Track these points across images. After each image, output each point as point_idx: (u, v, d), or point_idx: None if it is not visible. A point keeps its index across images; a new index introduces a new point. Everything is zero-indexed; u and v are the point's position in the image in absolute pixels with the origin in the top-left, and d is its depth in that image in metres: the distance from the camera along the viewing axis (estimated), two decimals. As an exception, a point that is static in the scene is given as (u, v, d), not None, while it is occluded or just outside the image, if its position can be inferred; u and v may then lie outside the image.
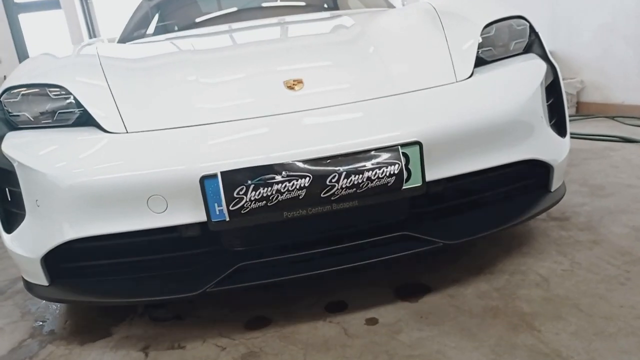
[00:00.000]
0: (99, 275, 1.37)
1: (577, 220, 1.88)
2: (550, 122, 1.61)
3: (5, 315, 1.76)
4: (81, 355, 1.42)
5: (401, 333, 1.29)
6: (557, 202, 1.63)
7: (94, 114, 1.38)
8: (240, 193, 1.13)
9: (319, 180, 1.15)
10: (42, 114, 1.50)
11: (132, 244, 1.30)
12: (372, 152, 1.17)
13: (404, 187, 1.21)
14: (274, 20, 2.23)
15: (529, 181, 1.55)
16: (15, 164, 1.37)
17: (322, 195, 1.16)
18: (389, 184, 1.19)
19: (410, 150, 1.20)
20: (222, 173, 1.12)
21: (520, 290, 1.41)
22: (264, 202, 1.15)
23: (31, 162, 1.31)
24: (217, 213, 1.15)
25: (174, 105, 1.37)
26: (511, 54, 1.67)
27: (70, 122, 1.44)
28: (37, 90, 1.52)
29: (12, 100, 1.54)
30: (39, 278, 1.40)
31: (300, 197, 1.16)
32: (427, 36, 1.62)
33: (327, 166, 1.15)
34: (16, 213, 1.42)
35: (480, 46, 1.60)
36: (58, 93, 1.48)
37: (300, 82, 1.39)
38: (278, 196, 1.15)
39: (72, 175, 1.24)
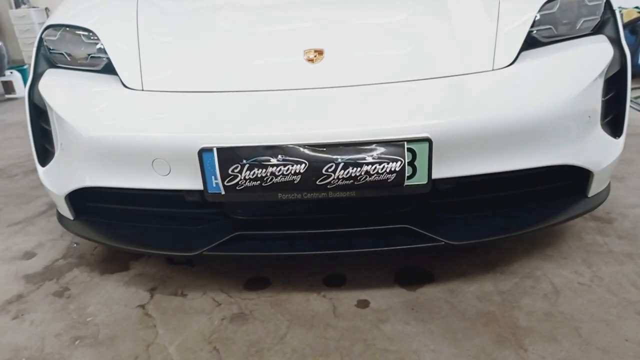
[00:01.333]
0: (115, 219, 1.46)
1: (620, 225, 1.71)
2: (604, 120, 1.42)
3: (49, 232, 1.95)
4: (99, 284, 1.56)
5: (386, 323, 1.29)
6: (593, 209, 1.48)
7: (116, 65, 1.39)
8: (235, 171, 1.13)
9: (314, 168, 1.12)
10: (77, 55, 1.54)
11: (143, 195, 1.35)
12: (374, 145, 1.11)
13: (406, 184, 1.15)
14: None
15: (562, 184, 1.41)
16: (47, 105, 1.44)
17: (317, 182, 1.13)
18: (389, 180, 1.13)
19: (417, 147, 1.12)
20: (218, 149, 1.12)
21: (524, 299, 1.34)
22: (259, 182, 1.14)
23: (58, 108, 1.37)
24: (214, 185, 1.16)
25: (193, 65, 1.35)
26: (576, 35, 1.46)
27: (99, 68, 1.48)
28: (73, 31, 1.55)
29: (51, 38, 1.59)
30: (66, 211, 1.51)
31: (295, 182, 1.13)
32: (477, 9, 1.44)
33: (325, 154, 1.11)
34: (48, 150, 1.52)
35: (536, 24, 1.41)
36: (89, 37, 1.51)
37: (321, 53, 1.31)
38: (272, 178, 1.13)
39: (88, 129, 1.28)
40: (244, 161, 1.12)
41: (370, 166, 1.11)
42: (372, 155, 1.11)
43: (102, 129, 1.27)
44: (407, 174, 1.14)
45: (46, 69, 1.58)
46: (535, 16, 1.41)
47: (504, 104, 1.20)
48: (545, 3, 1.43)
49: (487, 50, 1.31)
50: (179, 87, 1.29)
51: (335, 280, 1.48)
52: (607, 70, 1.39)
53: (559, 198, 1.42)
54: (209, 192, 1.17)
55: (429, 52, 1.31)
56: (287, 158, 1.11)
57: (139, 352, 1.24)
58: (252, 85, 1.25)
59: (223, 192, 1.16)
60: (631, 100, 3.38)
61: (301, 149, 1.11)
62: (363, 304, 1.37)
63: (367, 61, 1.30)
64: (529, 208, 1.40)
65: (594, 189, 1.44)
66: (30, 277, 1.63)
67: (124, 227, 1.43)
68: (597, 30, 1.49)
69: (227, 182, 1.14)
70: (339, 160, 1.11)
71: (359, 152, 1.11)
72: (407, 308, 1.34)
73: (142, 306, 1.43)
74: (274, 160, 1.11)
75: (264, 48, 1.37)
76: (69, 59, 1.56)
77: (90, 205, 1.49)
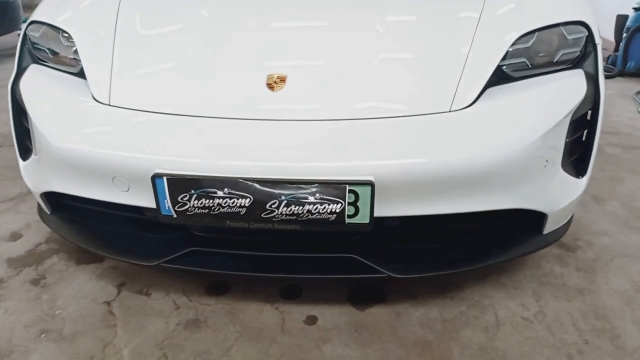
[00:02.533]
0: (87, 219, 1.54)
1: (583, 254, 1.73)
2: (567, 160, 1.42)
3: (36, 213, 2.06)
4: (73, 275, 1.66)
5: (328, 343, 1.36)
6: (548, 245, 1.51)
7: (88, 75, 1.43)
8: (184, 199, 1.18)
9: (258, 202, 1.16)
10: (57, 54, 1.58)
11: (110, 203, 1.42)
12: (317, 185, 1.14)
13: (348, 222, 1.18)
14: None
15: (515, 221, 1.42)
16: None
17: (262, 215, 1.18)
18: (330, 219, 1.17)
19: (360, 189, 1.15)
20: (168, 178, 1.16)
21: (464, 330, 1.40)
22: (207, 210, 1.19)
23: (33, 115, 1.43)
24: (166, 208, 1.22)
25: (158, 84, 1.38)
26: (552, 69, 1.43)
27: (77, 71, 1.52)
28: (53, 31, 1.58)
29: (34, 34, 1.63)
30: (44, 205, 1.60)
31: (241, 213, 1.18)
32: (449, 42, 1.42)
33: (269, 190, 1.15)
34: (28, 146, 1.59)
35: (509, 57, 1.39)
36: (68, 39, 1.54)
37: (283, 80, 1.32)
38: (219, 208, 1.18)
39: (57, 138, 1.34)
40: (192, 191, 1.17)
41: (311, 205, 1.15)
42: (314, 195, 1.15)
43: (69, 141, 1.32)
44: (349, 214, 1.17)
45: (30, 64, 1.63)
46: (508, 50, 1.38)
47: (453, 148, 1.21)
48: (521, 36, 1.40)
49: (448, 89, 1.30)
50: (142, 106, 1.33)
51: (291, 292, 1.55)
52: (577, 109, 1.38)
53: (512, 234, 1.44)
54: (162, 214, 1.23)
55: (388, 89, 1.31)
56: (233, 192, 1.16)
57: (95, 352, 1.34)
58: (210, 111, 1.28)
59: (175, 216, 1.22)
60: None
61: (246, 183, 1.15)
62: (311, 320, 1.44)
63: (323, 95, 1.30)
64: (480, 243, 1.43)
65: (550, 227, 1.46)
66: (13, 262, 1.74)
67: (93, 228, 1.51)
68: (576, 63, 1.46)
69: (177, 208, 1.20)
70: (282, 197, 1.15)
71: (302, 190, 1.15)
72: (352, 329, 1.41)
73: (108, 303, 1.53)
74: (220, 193, 1.16)
75: (230, 71, 1.38)
76: (51, 56, 1.60)
77: (66, 203, 1.57)
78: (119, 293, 1.57)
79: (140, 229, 1.46)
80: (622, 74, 4.09)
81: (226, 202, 1.17)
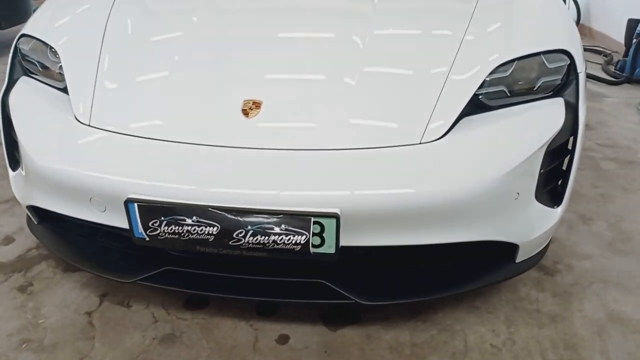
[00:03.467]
0: (72, 231, 1.58)
1: (562, 279, 1.73)
2: (542, 190, 1.42)
3: (30, 216, 2.11)
4: (59, 283, 1.71)
5: (296, 365, 1.39)
6: (521, 273, 1.51)
7: (71, 93, 1.46)
8: (155, 225, 1.21)
9: (225, 231, 1.19)
10: (46, 68, 1.61)
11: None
12: (282, 216, 1.16)
13: (314, 252, 1.21)
14: None
15: (486, 250, 1.43)
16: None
17: (230, 243, 1.21)
18: (295, 250, 1.19)
19: (325, 221, 1.16)
20: (139, 205, 1.19)
21: (432, 355, 1.42)
22: (177, 235, 1.22)
23: (18, 131, 1.46)
24: (139, 232, 1.25)
25: (137, 107, 1.40)
26: (532, 98, 1.43)
27: (62, 87, 1.55)
28: (42, 45, 1.61)
29: (24, 47, 1.66)
30: (31, 215, 1.64)
31: (209, 240, 1.21)
32: (426, 74, 1.42)
33: (235, 219, 1.17)
34: (17, 158, 1.63)
35: (486, 85, 1.39)
36: (55, 55, 1.57)
37: (258, 105, 1.33)
38: (189, 235, 1.21)
39: (39, 156, 1.37)
40: (162, 217, 1.20)
41: (277, 236, 1.17)
42: (279, 226, 1.17)
43: (48, 159, 1.36)
44: (314, 244, 1.19)
45: (21, 76, 1.67)
46: (485, 79, 1.38)
47: (420, 182, 1.22)
48: (500, 65, 1.40)
49: (421, 120, 1.31)
50: (121, 129, 1.35)
51: (267, 309, 1.58)
52: (554, 140, 1.38)
53: (483, 261, 1.45)
54: (135, 236, 1.26)
55: (361, 120, 1.32)
56: (200, 220, 1.18)
57: (72, 365, 1.39)
58: (184, 136, 1.30)
59: (147, 239, 1.25)
60: (642, 117, 3.24)
61: (214, 212, 1.18)
62: (283, 339, 1.47)
63: (295, 123, 1.32)
64: (450, 270, 1.44)
65: (524, 256, 1.46)
66: (3, 267, 1.80)
67: (75, 241, 1.55)
68: (557, 92, 1.45)
69: (149, 232, 1.23)
70: (249, 227, 1.18)
71: (268, 221, 1.17)
72: (321, 350, 1.44)
73: (89, 313, 1.58)
74: (189, 220, 1.19)
75: (208, 96, 1.40)
76: (40, 69, 1.63)
77: (52, 214, 1.61)
78: (100, 303, 1.62)
79: (119, 245, 1.50)
80: (630, 80, 4.02)
81: (195, 229, 1.19)
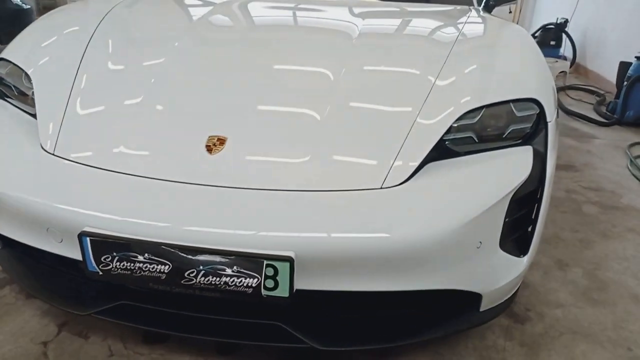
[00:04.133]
0: (34, 258, 1.56)
1: (532, 328, 1.70)
2: (507, 238, 1.40)
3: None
4: (20, 309, 1.68)
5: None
6: (486, 322, 1.48)
7: (38, 120, 1.46)
8: (107, 260, 1.19)
9: (177, 270, 1.17)
10: (21, 93, 1.62)
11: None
12: (234, 257, 1.14)
13: (268, 295, 1.18)
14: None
15: (449, 298, 1.40)
16: None
17: (182, 282, 1.18)
18: (247, 292, 1.17)
19: (278, 264, 1.14)
20: (91, 240, 1.18)
21: (389, 405, 1.38)
22: (129, 272, 1.20)
23: None
24: (92, 266, 1.23)
25: (102, 138, 1.39)
26: (500, 145, 1.42)
27: (34, 113, 1.55)
28: (18, 70, 1.62)
29: (2, 70, 1.67)
30: (-3, 239, 1.62)
31: (162, 278, 1.19)
32: (396, 109, 1.42)
33: (187, 258, 1.15)
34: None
35: (453, 132, 1.38)
36: (29, 81, 1.58)
37: (223, 142, 1.33)
38: (141, 272, 1.19)
39: (2, 183, 1.36)
40: (114, 253, 1.18)
41: (228, 278, 1.15)
42: (231, 267, 1.15)
43: (8, 186, 1.34)
44: (268, 287, 1.17)
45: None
46: (452, 125, 1.38)
47: (376, 227, 1.19)
48: (468, 112, 1.40)
49: (383, 165, 1.30)
50: (83, 159, 1.34)
51: (227, 347, 1.55)
52: (520, 188, 1.36)
53: (446, 309, 1.42)
54: (89, 270, 1.24)
55: (322, 162, 1.30)
56: (152, 257, 1.16)
57: (18, 399, 1.35)
58: (145, 170, 1.29)
59: (100, 273, 1.23)
60: (630, 161, 3.23)
61: (165, 249, 1.16)
62: (237, 381, 1.44)
63: (257, 162, 1.30)
64: (413, 317, 1.41)
65: (488, 305, 1.43)
66: (-33, 291, 1.77)
67: (34, 269, 1.52)
68: (526, 140, 1.45)
69: (101, 267, 1.21)
70: (200, 267, 1.15)
71: (220, 262, 1.15)
72: (276, 394, 1.40)
73: (45, 344, 1.54)
74: (140, 257, 1.17)
75: (173, 131, 1.39)
76: (16, 94, 1.64)
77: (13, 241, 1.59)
78: (58, 333, 1.59)
79: (76, 276, 1.47)
80: (620, 122, 4.04)
81: (146, 266, 1.17)
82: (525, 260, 1.44)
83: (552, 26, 6.00)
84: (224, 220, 1.18)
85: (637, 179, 2.99)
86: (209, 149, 1.32)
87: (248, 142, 1.34)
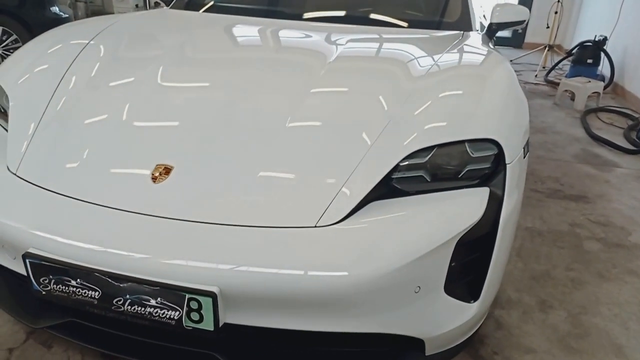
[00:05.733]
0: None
1: (494, 373, 1.63)
2: (455, 283, 1.35)
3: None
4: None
5: None
6: (432, 368, 1.43)
7: (8, 140, 1.54)
8: (45, 282, 1.24)
9: (106, 297, 1.20)
10: (3, 112, 1.71)
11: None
12: (159, 288, 1.16)
13: (193, 328, 1.19)
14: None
15: (391, 340, 1.37)
16: None
17: (112, 308, 1.21)
18: (170, 324, 1.18)
19: (202, 298, 1.16)
20: (30, 262, 1.23)
21: None
22: (66, 294, 1.24)
23: None
24: (35, 285, 1.28)
25: (60, 160, 1.45)
26: (454, 185, 1.38)
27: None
28: (2, 89, 1.72)
29: None
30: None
31: (94, 303, 1.23)
32: (345, 146, 1.40)
33: (115, 286, 1.18)
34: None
35: (401, 170, 1.35)
36: (8, 101, 1.67)
37: (168, 172, 1.35)
38: (75, 295, 1.23)
39: None
40: (51, 276, 1.23)
41: (152, 309, 1.17)
42: (155, 299, 1.17)
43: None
44: (194, 319, 1.18)
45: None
46: (399, 164, 1.35)
47: (306, 266, 1.18)
48: (417, 151, 1.36)
49: (321, 202, 1.28)
50: (39, 181, 1.40)
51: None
52: (471, 231, 1.31)
53: (391, 350, 1.39)
54: (34, 289, 1.29)
55: (261, 197, 1.30)
56: (83, 283, 1.20)
57: (-29, 404, 1.43)
58: (92, 195, 1.33)
59: (43, 293, 1.28)
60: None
61: (95, 276, 1.19)
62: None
63: (195, 195, 1.31)
64: (356, 355, 1.38)
65: (434, 349, 1.39)
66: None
67: (2, 281, 1.60)
68: (485, 181, 1.40)
69: (42, 288, 1.26)
70: (127, 296, 1.18)
71: (144, 292, 1.17)
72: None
73: (10, 350, 1.62)
74: (73, 282, 1.21)
75: (126, 156, 1.43)
76: (2, 111, 1.73)
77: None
78: (25, 341, 1.66)
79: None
80: (650, 150, 3.81)
81: (79, 291, 1.21)
82: (475, 306, 1.39)
83: (589, 44, 5.74)
84: (153, 251, 1.20)
85: (653, 214, 2.81)
86: (154, 178, 1.35)
87: (192, 173, 1.36)
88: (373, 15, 2.48)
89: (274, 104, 1.55)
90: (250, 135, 1.44)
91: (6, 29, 5.24)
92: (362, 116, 1.49)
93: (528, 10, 2.73)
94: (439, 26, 2.35)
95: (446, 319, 1.35)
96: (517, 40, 8.38)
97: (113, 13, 8.38)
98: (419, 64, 1.76)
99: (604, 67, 5.77)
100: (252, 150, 1.40)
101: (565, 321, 1.90)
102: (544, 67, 6.61)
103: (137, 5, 9.29)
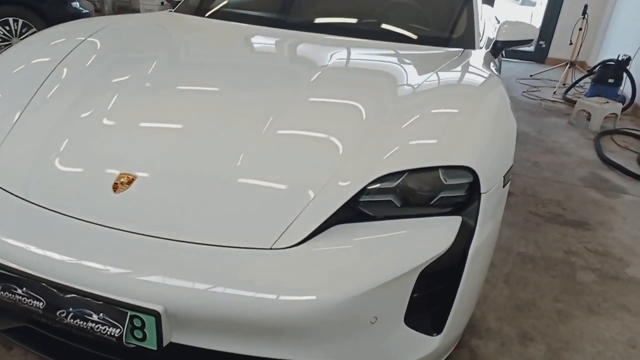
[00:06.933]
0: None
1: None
2: (420, 314, 1.30)
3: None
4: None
5: None
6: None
7: None
8: (-5, 288, 1.23)
9: (50, 308, 1.18)
10: None
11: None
12: (102, 303, 1.13)
13: (133, 345, 1.16)
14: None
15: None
16: None
17: (57, 320, 1.19)
18: (112, 341, 1.15)
19: (145, 317, 1.12)
20: None
21: None
22: (15, 302, 1.22)
23: None
24: (-10, 291, 1.27)
25: (26, 165, 1.43)
26: (426, 212, 1.33)
27: None
28: None
29: None
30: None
31: (40, 312, 1.20)
32: (311, 168, 1.36)
33: (59, 298, 1.16)
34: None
35: (369, 194, 1.30)
36: None
37: (130, 182, 1.33)
38: (21, 304, 1.21)
39: None
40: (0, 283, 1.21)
41: (94, 324, 1.15)
42: (98, 314, 1.14)
43: None
44: (137, 337, 1.15)
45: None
46: (367, 187, 1.30)
47: (254, 289, 1.14)
48: (387, 175, 1.31)
49: (280, 224, 1.24)
50: (5, 184, 1.39)
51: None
52: (437, 263, 1.26)
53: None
54: (-14, 296, 1.28)
55: (218, 216, 1.26)
56: (29, 292, 1.18)
57: None
58: (52, 202, 1.31)
59: (-3, 300, 1.27)
60: None
61: (42, 285, 1.17)
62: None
63: (153, 208, 1.28)
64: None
65: (393, 383, 1.33)
66: None
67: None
68: (458, 209, 1.34)
69: (-6, 293, 1.25)
70: (70, 308, 1.16)
71: (87, 305, 1.15)
72: None
73: (-28, 349, 1.62)
74: (19, 291, 1.19)
75: (92, 163, 1.41)
76: None
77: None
78: (-10, 340, 1.66)
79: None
80: (663, 178, 3.66)
81: (24, 299, 1.20)
82: (438, 339, 1.33)
83: (612, 63, 5.57)
84: (99, 263, 1.17)
85: (656, 247, 2.69)
86: (115, 187, 1.33)
87: (154, 184, 1.33)
88: (370, 28, 2.43)
89: (244, 119, 1.52)
90: (219, 150, 1.41)
91: (26, 21, 5.33)
92: (332, 136, 1.45)
93: (537, 29, 2.64)
94: (439, 42, 2.29)
95: (405, 352, 1.30)
96: (540, 55, 8.21)
97: (139, 10, 8.48)
98: (404, 83, 1.71)
99: (625, 88, 5.59)
100: (217, 166, 1.37)
101: (544, 356, 1.82)
102: (563, 84, 6.44)
103: (162, 3, 9.38)
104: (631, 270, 2.45)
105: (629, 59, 5.50)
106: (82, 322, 1.16)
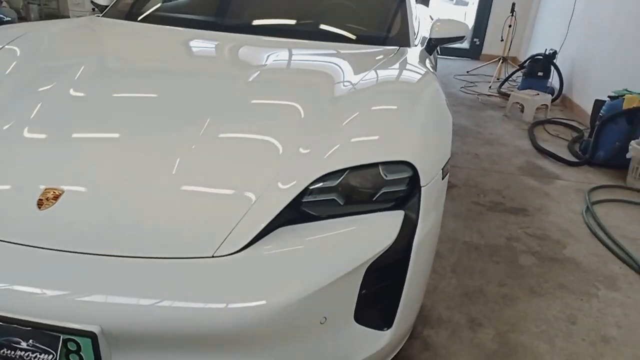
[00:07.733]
0: None
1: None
2: (369, 309, 1.30)
3: None
4: None
5: None
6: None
7: None
8: None
9: (-27, 338, 1.08)
10: None
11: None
12: (31, 329, 1.05)
13: (71, 370, 1.09)
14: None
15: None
16: None
17: (-15, 348, 1.10)
18: (45, 368, 1.08)
19: (80, 339, 1.06)
20: None
21: None
22: None
23: None
24: None
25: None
26: (369, 208, 1.33)
27: None
28: None
29: None
30: None
31: (-37, 344, 1.10)
32: (251, 172, 1.33)
33: (-15, 324, 1.07)
34: None
35: (312, 194, 1.29)
36: None
37: (57, 196, 1.25)
38: (-58, 335, 1.10)
39: None
40: None
41: (23, 352, 1.07)
42: (27, 341, 1.06)
43: None
44: (72, 362, 1.08)
45: None
46: (309, 187, 1.29)
47: (198, 299, 1.10)
48: (328, 174, 1.30)
49: (220, 231, 1.20)
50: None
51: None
52: (383, 257, 1.26)
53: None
54: None
55: (155, 227, 1.20)
56: (-51, 322, 1.08)
57: None
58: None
59: None
60: (587, 208, 3.09)
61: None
62: None
63: (80, 223, 1.21)
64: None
65: (344, 381, 1.32)
66: None
67: None
68: (400, 204, 1.35)
69: None
70: (-3, 337, 1.07)
71: (14, 333, 1.06)
72: None
73: None
74: (-61, 320, 1.09)
75: (17, 176, 1.31)
76: None
77: None
78: None
79: None
80: (590, 163, 3.90)
81: (-55, 330, 1.09)
82: (389, 333, 1.34)
83: (540, 57, 5.88)
84: (25, 286, 1.09)
85: (589, 227, 2.85)
86: (40, 203, 1.24)
87: (81, 199, 1.26)
88: (307, 29, 2.43)
89: (179, 124, 1.47)
90: (152, 157, 1.35)
91: (-59, 32, 4.97)
92: (271, 137, 1.43)
93: (468, 26, 2.73)
94: (375, 41, 2.32)
95: (354, 348, 1.29)
96: (475, 52, 8.53)
97: (69, 16, 8.09)
98: (341, 82, 1.72)
99: (553, 80, 5.92)
100: (151, 174, 1.31)
101: (493, 340, 1.87)
102: (498, 79, 6.73)
103: (93, 9, 8.98)
104: (568, 250, 2.58)
105: (555, 53, 5.82)
106: (9, 351, 1.07)
